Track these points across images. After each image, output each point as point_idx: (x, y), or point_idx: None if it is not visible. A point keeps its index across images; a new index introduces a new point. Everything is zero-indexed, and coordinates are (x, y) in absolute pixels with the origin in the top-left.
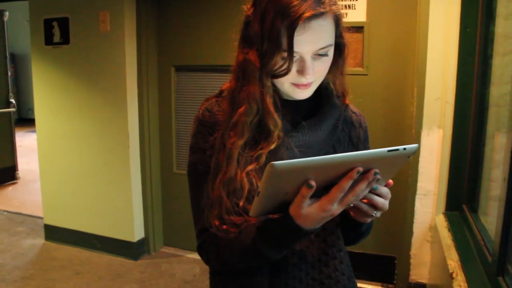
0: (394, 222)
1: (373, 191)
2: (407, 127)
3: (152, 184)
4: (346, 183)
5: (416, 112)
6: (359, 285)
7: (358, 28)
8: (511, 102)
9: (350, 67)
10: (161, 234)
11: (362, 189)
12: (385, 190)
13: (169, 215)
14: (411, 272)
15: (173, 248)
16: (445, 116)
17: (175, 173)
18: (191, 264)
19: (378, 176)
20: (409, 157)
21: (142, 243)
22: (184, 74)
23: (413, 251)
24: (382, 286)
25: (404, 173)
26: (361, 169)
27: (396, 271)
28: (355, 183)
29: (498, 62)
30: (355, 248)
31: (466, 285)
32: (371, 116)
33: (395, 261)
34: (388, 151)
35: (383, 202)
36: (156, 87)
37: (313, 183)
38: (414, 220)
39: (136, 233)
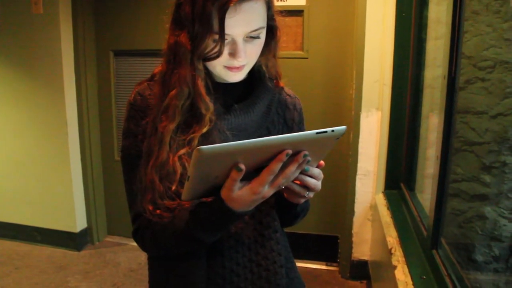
0: (336, 202)
1: (304, 173)
2: (347, 109)
3: (93, 173)
4: (276, 166)
5: (355, 94)
6: (303, 265)
7: (298, 12)
8: (442, 84)
9: (291, 50)
10: (105, 223)
11: (292, 171)
12: (316, 171)
13: (112, 204)
14: (353, 250)
15: (117, 236)
16: (383, 98)
17: (117, 161)
18: (136, 252)
19: (308, 158)
20: (338, 138)
21: (85, 233)
22: (123, 59)
23: (354, 230)
24: (326, 265)
25: (345, 154)
26: (290, 151)
27: (339, 250)
28: (285, 165)
29: (431, 46)
30: (299, 229)
31: (403, 259)
32: (311, 98)
33: (338, 240)
34: (317, 133)
35: (315, 183)
36: (94, 73)
37: (242, 166)
38: (355, 200)
39: (78, 223)
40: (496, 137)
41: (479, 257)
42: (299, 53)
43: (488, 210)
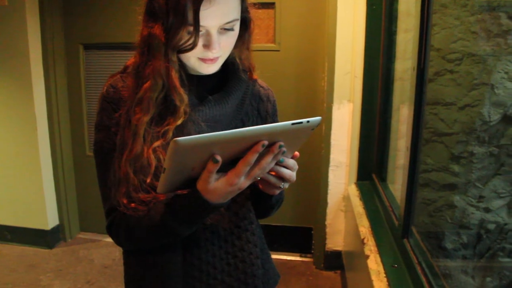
0: (310, 194)
1: (280, 164)
2: (319, 101)
3: (64, 168)
4: (252, 157)
5: (327, 86)
6: (278, 256)
7: (269, 4)
8: (412, 76)
9: (263, 43)
10: (77, 219)
11: (268, 162)
12: (291, 162)
13: (84, 200)
14: (327, 241)
15: (90, 233)
16: (355, 90)
17: (88, 156)
18: (109, 248)
19: (284, 149)
20: (313, 129)
21: (57, 230)
22: (93, 52)
23: (328, 221)
24: (300, 256)
25: (317, 146)
26: (266, 142)
27: (313, 241)
28: (261, 156)
29: (401, 39)
30: (273, 221)
31: (376, 249)
32: (284, 91)
33: (312, 232)
34: (292, 124)
35: (290, 174)
36: (63, 67)
37: (218, 158)
38: (328, 191)
39: (50, 220)
40: (464, 128)
41: (449, 245)
42: (271, 45)
43: (457, 199)
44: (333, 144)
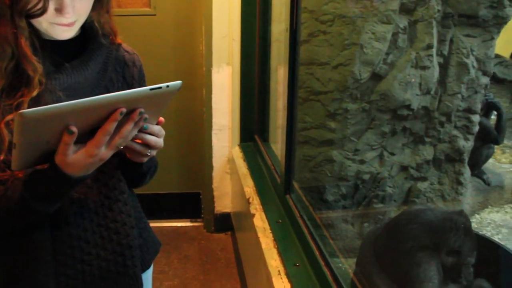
0: (195, 159)
1: (144, 131)
2: (198, 66)
3: None
4: (110, 126)
5: (205, 50)
6: (168, 224)
7: None
8: (285, 37)
9: (137, 7)
10: None
11: (129, 130)
12: (156, 128)
13: None
14: (215, 204)
15: None
16: (233, 53)
17: None
18: None
19: (145, 115)
20: (174, 94)
21: None
22: None
23: (215, 184)
24: (190, 221)
25: (199, 110)
26: (124, 110)
27: (202, 206)
28: (121, 124)
29: (277, 1)
30: (160, 189)
31: (261, 207)
32: (162, 56)
33: (200, 196)
34: (151, 89)
35: (156, 140)
36: None
37: (73, 129)
38: (213, 155)
39: None
40: (338, 86)
41: (330, 197)
42: (146, 10)
43: (335, 153)
44: (214, 108)
